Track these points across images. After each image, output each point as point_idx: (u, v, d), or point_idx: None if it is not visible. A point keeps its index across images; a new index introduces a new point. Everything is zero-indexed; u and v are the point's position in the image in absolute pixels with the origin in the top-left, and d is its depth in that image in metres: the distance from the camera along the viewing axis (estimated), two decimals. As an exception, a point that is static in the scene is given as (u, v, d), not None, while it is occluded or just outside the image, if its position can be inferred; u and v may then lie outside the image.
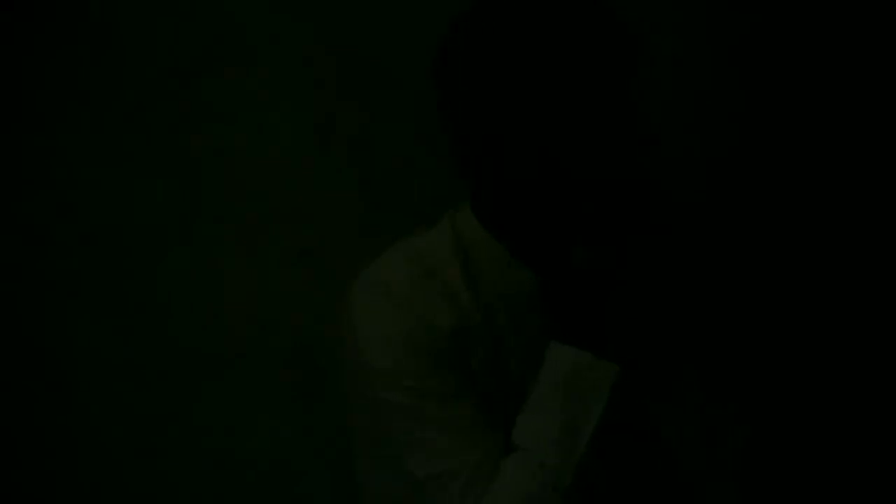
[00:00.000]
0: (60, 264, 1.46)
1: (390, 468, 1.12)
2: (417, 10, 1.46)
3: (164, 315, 1.48)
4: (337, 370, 1.20)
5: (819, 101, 1.55)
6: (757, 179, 1.56)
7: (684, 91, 1.54)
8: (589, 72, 1.06)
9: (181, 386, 1.49)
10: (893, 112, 1.54)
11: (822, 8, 1.52)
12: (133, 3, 1.44)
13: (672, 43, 1.53)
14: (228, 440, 1.50)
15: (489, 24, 1.08)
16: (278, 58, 1.47)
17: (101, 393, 1.48)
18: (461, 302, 1.13)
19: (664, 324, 1.23)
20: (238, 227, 1.48)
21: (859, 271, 1.57)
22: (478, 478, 1.07)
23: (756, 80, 1.55)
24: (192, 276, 1.48)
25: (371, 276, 1.15)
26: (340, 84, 1.48)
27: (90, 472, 1.49)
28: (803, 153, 1.56)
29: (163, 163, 1.47)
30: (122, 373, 1.48)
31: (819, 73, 1.55)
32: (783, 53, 1.54)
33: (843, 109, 1.55)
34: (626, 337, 1.12)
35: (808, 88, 1.55)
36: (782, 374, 1.58)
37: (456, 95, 1.11)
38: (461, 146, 1.12)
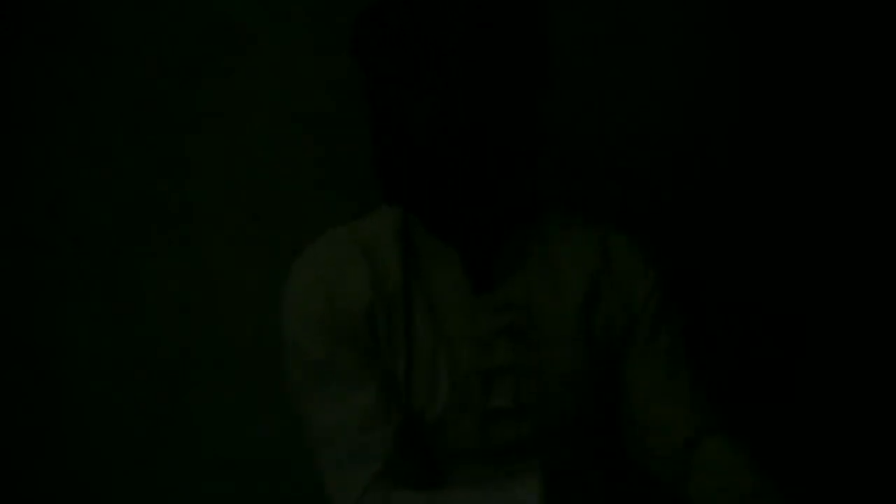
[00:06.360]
0: (52, 265, 1.46)
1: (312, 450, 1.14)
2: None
3: (156, 316, 1.47)
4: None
5: (818, 100, 1.55)
6: (756, 179, 1.56)
7: (684, 91, 1.53)
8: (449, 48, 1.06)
9: (172, 386, 1.48)
10: (893, 112, 1.54)
11: (822, 8, 1.52)
12: (126, 3, 1.43)
13: (672, 43, 1.52)
14: (219, 439, 1.49)
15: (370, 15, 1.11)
16: (275, 57, 1.47)
17: (92, 393, 1.48)
18: (389, 280, 1.13)
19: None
20: (231, 227, 1.48)
21: (859, 272, 1.57)
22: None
23: (755, 80, 1.55)
24: (185, 276, 1.47)
25: (308, 252, 1.17)
26: (340, 84, 1.47)
27: (82, 471, 1.49)
28: (802, 153, 1.56)
29: (159, 163, 1.46)
30: (113, 373, 1.48)
31: (818, 74, 1.54)
32: (783, 53, 1.54)
33: (843, 109, 1.55)
34: None
35: (808, 88, 1.55)
36: (779, 377, 1.58)
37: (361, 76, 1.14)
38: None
